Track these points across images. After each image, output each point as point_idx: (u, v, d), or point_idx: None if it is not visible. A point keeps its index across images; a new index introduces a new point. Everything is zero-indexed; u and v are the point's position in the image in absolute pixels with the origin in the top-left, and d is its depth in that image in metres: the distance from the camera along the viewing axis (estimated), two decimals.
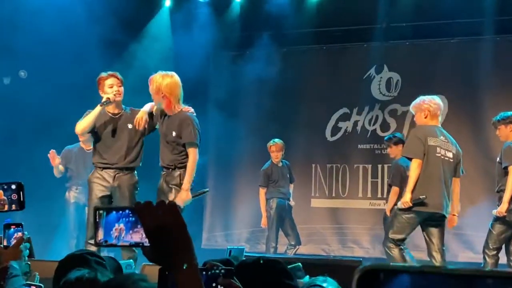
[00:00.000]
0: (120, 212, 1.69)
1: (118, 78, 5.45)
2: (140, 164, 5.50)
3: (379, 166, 7.99)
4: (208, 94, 8.26)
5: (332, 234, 7.82)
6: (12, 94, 7.17)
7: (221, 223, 8.21)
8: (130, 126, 5.53)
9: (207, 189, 5.92)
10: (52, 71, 6.87)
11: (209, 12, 8.26)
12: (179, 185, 5.29)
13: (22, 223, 2.89)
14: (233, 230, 8.09)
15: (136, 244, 1.66)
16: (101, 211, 1.68)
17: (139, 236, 1.66)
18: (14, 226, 3.08)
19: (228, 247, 3.94)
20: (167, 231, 1.52)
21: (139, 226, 1.64)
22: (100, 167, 5.47)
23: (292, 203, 7.33)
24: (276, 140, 7.16)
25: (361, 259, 4.12)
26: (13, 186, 2.02)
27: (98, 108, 5.35)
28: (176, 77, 5.40)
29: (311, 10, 8.11)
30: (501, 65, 7.48)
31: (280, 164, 7.28)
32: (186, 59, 7.77)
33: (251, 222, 7.89)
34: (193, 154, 5.29)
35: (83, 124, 5.42)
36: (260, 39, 8.22)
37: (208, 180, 8.25)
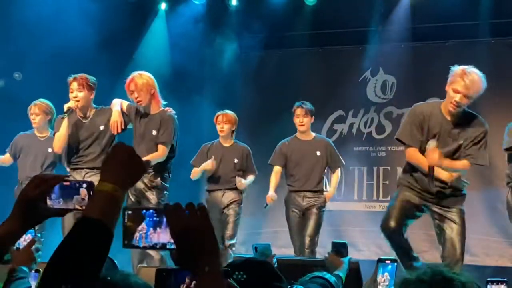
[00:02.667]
0: (144, 211, 1.64)
1: (79, 82, 5.37)
2: None
3: (375, 168, 7.88)
4: (205, 94, 8.11)
5: (327, 237, 7.47)
6: (7, 95, 6.99)
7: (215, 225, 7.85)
8: (101, 127, 5.49)
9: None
10: (48, 74, 6.72)
11: (205, 14, 8.06)
12: (159, 186, 5.29)
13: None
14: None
15: (162, 246, 1.61)
16: (127, 211, 1.63)
17: (163, 237, 1.62)
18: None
19: (253, 244, 3.96)
20: (194, 234, 1.49)
21: (162, 227, 1.61)
22: (72, 168, 5.48)
23: (235, 197, 6.05)
24: (227, 110, 6.22)
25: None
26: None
27: (65, 121, 5.34)
28: (146, 76, 5.36)
29: (307, 13, 8.01)
30: (495, 67, 7.18)
31: (229, 144, 6.17)
32: (184, 60, 7.60)
33: (247, 224, 7.57)
34: (162, 150, 5.25)
35: (59, 143, 5.41)
36: (257, 41, 8.13)
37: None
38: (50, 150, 5.99)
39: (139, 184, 5.26)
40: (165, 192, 5.39)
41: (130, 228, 1.61)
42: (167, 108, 5.44)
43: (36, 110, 6.05)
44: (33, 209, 1.71)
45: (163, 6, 8.13)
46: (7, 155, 6.24)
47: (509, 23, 7.39)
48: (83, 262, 1.47)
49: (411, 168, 4.61)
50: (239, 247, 7.13)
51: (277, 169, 6.11)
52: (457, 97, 4.43)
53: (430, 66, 7.64)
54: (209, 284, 1.47)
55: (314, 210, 6.03)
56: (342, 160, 6.32)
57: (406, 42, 7.79)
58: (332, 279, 2.70)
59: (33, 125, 6.12)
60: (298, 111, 6.07)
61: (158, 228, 1.60)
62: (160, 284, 1.63)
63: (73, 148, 5.52)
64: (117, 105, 5.44)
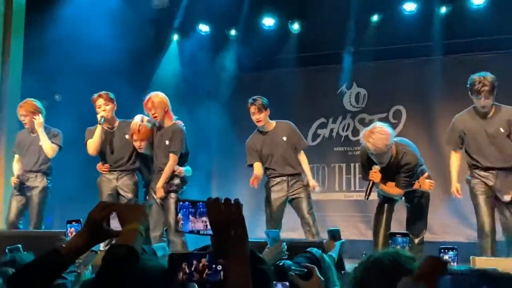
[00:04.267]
0: (180, 203, 1.69)
1: (104, 98, 5.54)
2: (138, 164, 5.66)
3: (352, 164, 8.01)
4: (211, 106, 8.21)
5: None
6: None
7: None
8: (127, 136, 5.63)
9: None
10: (81, 96, 6.63)
11: (209, 42, 8.28)
12: (178, 185, 5.41)
13: (81, 219, 2.81)
14: None
15: (197, 232, 1.64)
16: (180, 202, 1.69)
17: (198, 225, 1.64)
18: (74, 222, 3.11)
19: (265, 231, 3.74)
20: (229, 225, 1.51)
21: (197, 216, 1.64)
22: (106, 171, 5.65)
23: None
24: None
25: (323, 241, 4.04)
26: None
27: (99, 127, 5.52)
28: (162, 95, 5.50)
29: (293, 39, 8.15)
30: (448, 80, 7.54)
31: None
32: (193, 80, 7.84)
33: (249, 213, 7.97)
34: (173, 159, 5.38)
35: (93, 147, 5.56)
36: (252, 63, 8.27)
37: (212, 179, 8.36)
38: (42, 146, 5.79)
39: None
40: (181, 190, 5.47)
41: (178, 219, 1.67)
42: (178, 121, 5.55)
43: (23, 112, 5.81)
44: (97, 230, 1.74)
45: (175, 37, 8.30)
46: (16, 156, 6.02)
47: (459, 43, 7.57)
48: (125, 269, 1.59)
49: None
50: None
51: (257, 165, 5.68)
52: (373, 156, 4.71)
53: (394, 80, 7.91)
54: (238, 270, 1.51)
55: (302, 192, 5.60)
56: (305, 141, 5.90)
57: (375, 61, 7.96)
58: (318, 253, 2.69)
59: (25, 126, 5.90)
60: (252, 109, 5.65)
61: (192, 217, 1.64)
62: (173, 266, 1.64)
63: (105, 155, 5.68)
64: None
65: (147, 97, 5.46)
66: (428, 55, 7.74)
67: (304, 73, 8.19)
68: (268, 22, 8.08)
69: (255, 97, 5.71)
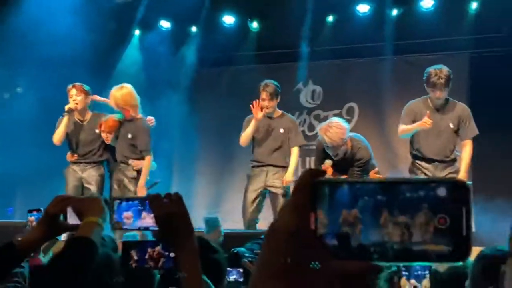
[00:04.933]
0: (130, 202, 1.68)
1: (77, 88, 5.50)
2: (105, 156, 5.68)
3: (307, 158, 8.05)
4: (172, 99, 8.16)
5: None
6: (10, 108, 6.98)
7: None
8: (97, 130, 5.59)
9: (159, 180, 5.68)
10: (44, 87, 6.74)
11: (170, 38, 8.25)
12: (136, 178, 5.42)
13: (42, 208, 2.96)
14: (193, 211, 7.83)
15: (145, 228, 1.65)
16: (116, 201, 1.68)
17: (145, 221, 1.64)
18: (34, 211, 2.96)
19: (204, 217, 3.85)
20: (173, 218, 1.50)
21: (144, 213, 1.63)
22: (72, 162, 5.66)
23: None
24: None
25: None
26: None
27: (65, 119, 5.51)
28: (127, 88, 5.40)
29: (252, 37, 8.25)
30: (398, 78, 7.73)
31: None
32: (154, 73, 7.83)
33: (210, 204, 7.96)
34: (148, 159, 5.41)
35: (57, 137, 5.56)
36: (212, 59, 8.31)
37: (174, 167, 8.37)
38: None
39: (120, 176, 5.51)
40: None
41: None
42: (149, 117, 5.67)
43: None
44: (53, 224, 1.71)
45: (137, 32, 8.34)
46: None
47: (409, 44, 7.73)
48: (82, 262, 1.59)
49: None
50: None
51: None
52: (329, 149, 4.85)
53: (348, 78, 8.03)
54: (187, 259, 1.49)
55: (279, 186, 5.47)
56: (302, 139, 5.76)
57: (329, 60, 8.05)
58: None
59: None
60: (263, 95, 5.52)
61: (142, 214, 1.63)
62: (126, 254, 1.67)
63: (73, 146, 5.67)
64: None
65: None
66: (380, 55, 7.91)
67: (262, 70, 8.19)
68: (228, 20, 8.14)
69: (266, 81, 5.51)
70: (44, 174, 6.62)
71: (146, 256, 1.69)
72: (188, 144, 8.24)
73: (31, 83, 7.18)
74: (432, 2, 7.52)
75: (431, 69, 4.99)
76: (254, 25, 8.11)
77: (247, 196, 5.53)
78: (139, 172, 5.48)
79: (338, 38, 7.92)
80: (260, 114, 5.33)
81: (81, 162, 5.66)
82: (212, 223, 3.59)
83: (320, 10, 7.75)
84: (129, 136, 5.45)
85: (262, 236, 2.35)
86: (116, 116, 5.56)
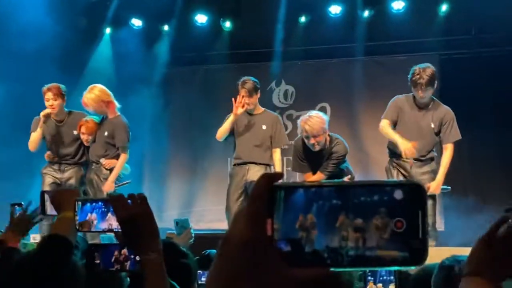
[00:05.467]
0: (94, 203, 1.61)
1: (53, 92, 5.34)
2: (85, 158, 5.55)
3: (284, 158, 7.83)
4: (144, 96, 8.02)
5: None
6: None
7: (155, 204, 8.14)
8: (75, 132, 5.49)
9: (130, 180, 5.53)
10: (13, 82, 6.52)
11: (142, 36, 8.17)
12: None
13: (23, 202, 2.83)
14: (166, 212, 7.77)
15: (109, 230, 1.60)
16: (78, 202, 1.60)
17: (109, 223, 1.59)
18: (17, 206, 3.01)
19: (175, 219, 3.78)
20: (137, 220, 1.44)
21: (109, 215, 1.57)
22: (51, 162, 5.57)
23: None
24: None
25: None
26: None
27: (39, 130, 5.37)
28: (97, 87, 5.30)
29: (225, 36, 8.19)
30: (370, 79, 7.76)
31: None
32: (125, 72, 7.65)
33: (183, 205, 7.89)
34: (123, 157, 5.33)
35: (33, 144, 5.42)
36: (185, 58, 8.27)
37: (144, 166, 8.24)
38: None
39: (93, 177, 5.42)
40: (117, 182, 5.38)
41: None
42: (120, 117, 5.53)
43: None
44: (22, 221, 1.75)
45: (107, 30, 8.19)
46: None
47: (379, 45, 7.78)
48: (56, 262, 1.58)
49: None
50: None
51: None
52: (309, 142, 4.84)
53: (320, 79, 8.04)
54: (151, 264, 1.44)
55: None
56: (286, 140, 5.59)
57: (302, 60, 8.08)
58: None
59: None
60: (242, 92, 5.37)
61: (106, 217, 1.58)
62: (90, 257, 1.62)
63: (52, 148, 5.55)
64: None
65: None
66: (351, 55, 7.91)
67: (235, 69, 8.11)
68: (201, 19, 8.07)
69: (245, 78, 5.39)
70: (14, 170, 6.44)
71: (112, 259, 1.65)
72: (160, 144, 8.16)
73: None
74: (403, 4, 7.56)
75: (416, 68, 4.93)
76: (227, 24, 8.07)
77: (230, 195, 5.34)
78: (111, 170, 5.37)
79: (311, 38, 7.95)
80: (240, 110, 5.19)
81: (61, 163, 5.56)
82: (182, 224, 3.46)
83: (293, 10, 7.76)
84: (105, 133, 5.34)
85: None
86: (94, 118, 5.50)
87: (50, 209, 1.74)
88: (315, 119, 4.81)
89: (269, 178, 0.54)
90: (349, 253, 0.52)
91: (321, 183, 0.54)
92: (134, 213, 1.44)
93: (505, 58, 7.22)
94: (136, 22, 8.16)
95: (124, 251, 1.64)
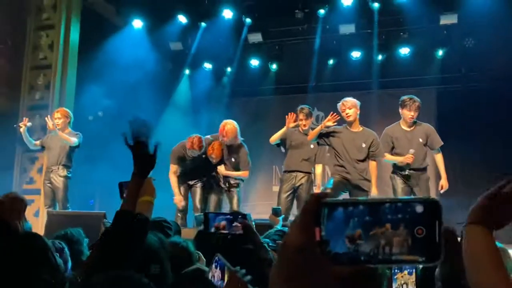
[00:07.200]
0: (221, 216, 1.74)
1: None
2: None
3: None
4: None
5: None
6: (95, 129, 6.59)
7: None
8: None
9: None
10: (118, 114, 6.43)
11: (212, 76, 8.38)
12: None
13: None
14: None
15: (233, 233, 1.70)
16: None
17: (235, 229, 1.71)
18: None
19: (273, 207, 3.63)
20: (145, 157, 1.66)
21: (233, 224, 1.70)
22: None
23: None
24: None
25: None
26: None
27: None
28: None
29: (272, 75, 8.18)
30: (382, 107, 7.41)
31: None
32: (198, 105, 7.96)
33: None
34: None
35: (174, 174, 5.37)
36: (243, 92, 8.32)
37: None
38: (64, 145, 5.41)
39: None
40: None
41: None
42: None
43: (58, 115, 5.45)
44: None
45: (187, 71, 8.46)
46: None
47: (390, 81, 7.72)
48: (138, 236, 1.55)
49: None
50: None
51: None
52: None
53: None
54: (133, 185, 1.53)
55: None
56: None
57: (330, 92, 7.58)
58: (285, 229, 2.71)
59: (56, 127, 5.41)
60: (301, 116, 5.35)
61: (232, 225, 1.67)
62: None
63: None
64: None
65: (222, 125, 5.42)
66: (368, 89, 7.93)
67: (279, 100, 8.23)
68: (254, 62, 8.31)
69: (302, 106, 5.47)
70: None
71: (221, 227, 1.75)
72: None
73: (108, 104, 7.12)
74: (408, 50, 7.67)
75: (406, 97, 5.14)
76: (274, 66, 8.22)
77: (281, 196, 5.39)
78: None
79: (337, 76, 8.02)
80: (291, 124, 5.28)
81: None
82: (249, 218, 3.42)
83: (323, 55, 7.91)
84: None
85: (279, 228, 2.70)
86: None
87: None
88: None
89: (317, 197, 0.54)
90: (379, 257, 0.52)
91: (358, 200, 0.53)
92: (145, 153, 1.63)
93: (488, 91, 7.24)
94: (207, 65, 8.49)
95: (223, 222, 1.72)
